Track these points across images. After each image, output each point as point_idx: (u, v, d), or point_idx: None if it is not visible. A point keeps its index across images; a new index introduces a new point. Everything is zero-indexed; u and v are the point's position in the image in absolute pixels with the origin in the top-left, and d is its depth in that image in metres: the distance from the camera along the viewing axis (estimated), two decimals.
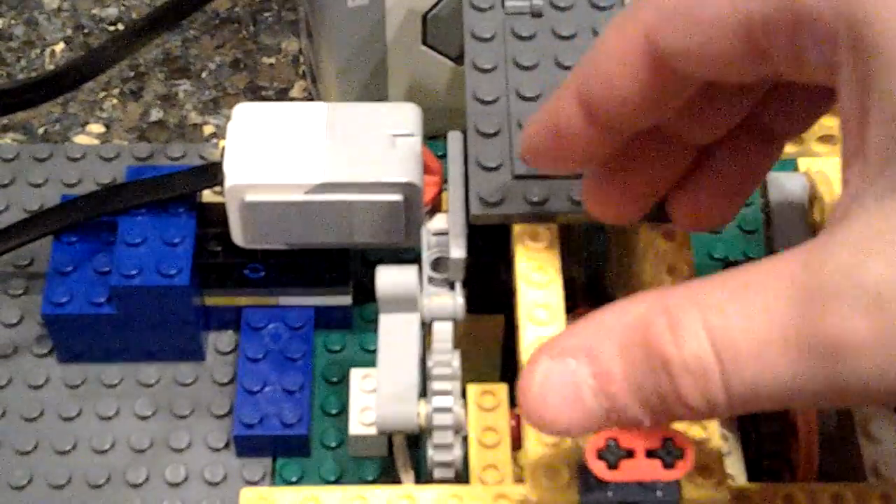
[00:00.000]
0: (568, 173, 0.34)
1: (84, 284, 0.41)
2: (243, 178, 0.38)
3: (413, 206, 0.38)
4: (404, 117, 0.39)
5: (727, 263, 0.41)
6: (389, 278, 0.36)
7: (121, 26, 0.56)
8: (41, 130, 0.52)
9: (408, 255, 0.41)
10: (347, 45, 0.46)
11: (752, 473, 0.35)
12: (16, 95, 0.42)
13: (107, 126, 0.52)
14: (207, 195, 0.42)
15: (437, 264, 0.36)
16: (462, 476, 0.34)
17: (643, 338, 0.24)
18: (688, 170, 0.32)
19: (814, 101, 0.30)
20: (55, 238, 0.42)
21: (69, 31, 0.55)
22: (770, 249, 0.39)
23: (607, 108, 0.28)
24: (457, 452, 0.34)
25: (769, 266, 0.23)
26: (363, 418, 0.38)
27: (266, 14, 0.56)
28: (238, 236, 0.40)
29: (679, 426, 0.29)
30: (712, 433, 0.31)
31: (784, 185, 0.39)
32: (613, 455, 0.26)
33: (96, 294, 0.41)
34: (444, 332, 0.35)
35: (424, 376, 0.35)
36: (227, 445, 0.41)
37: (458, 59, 0.47)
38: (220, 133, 0.52)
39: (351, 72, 0.47)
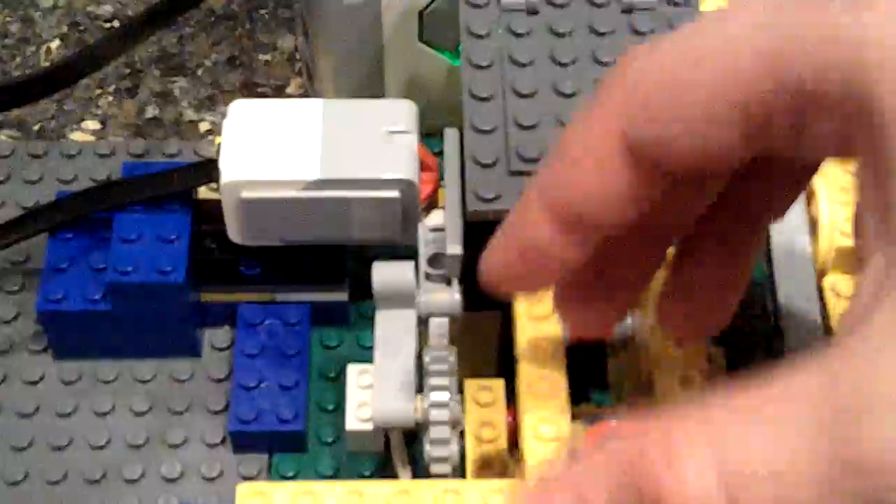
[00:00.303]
0: (538, 291, 0.31)
1: (79, 281, 0.41)
2: (239, 174, 0.38)
3: (409, 203, 0.38)
4: (400, 114, 0.39)
5: None
6: (386, 274, 0.36)
7: (116, 23, 0.56)
8: (36, 127, 0.52)
9: (404, 251, 0.41)
10: (343, 42, 0.46)
11: None
12: (11, 92, 0.42)
13: (102, 123, 0.52)
14: (203, 192, 0.42)
15: (434, 260, 0.36)
16: (459, 471, 0.34)
17: (637, 482, 0.21)
18: (672, 275, 0.30)
19: (793, 177, 0.29)
20: (51, 235, 0.42)
21: (64, 29, 0.55)
22: (768, 247, 0.39)
23: (583, 213, 0.26)
24: (453, 448, 0.34)
25: (785, 386, 0.21)
26: (360, 414, 0.38)
27: (262, 11, 0.56)
28: (234, 233, 0.40)
29: None
30: None
31: None
32: None
33: (92, 291, 0.41)
34: (440, 328, 0.35)
35: (421, 372, 0.35)
36: (223, 441, 0.41)
37: (455, 55, 0.47)
38: (216, 130, 0.52)
39: (347, 69, 0.47)
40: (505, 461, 0.34)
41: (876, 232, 0.22)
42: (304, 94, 0.53)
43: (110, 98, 0.53)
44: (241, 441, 0.40)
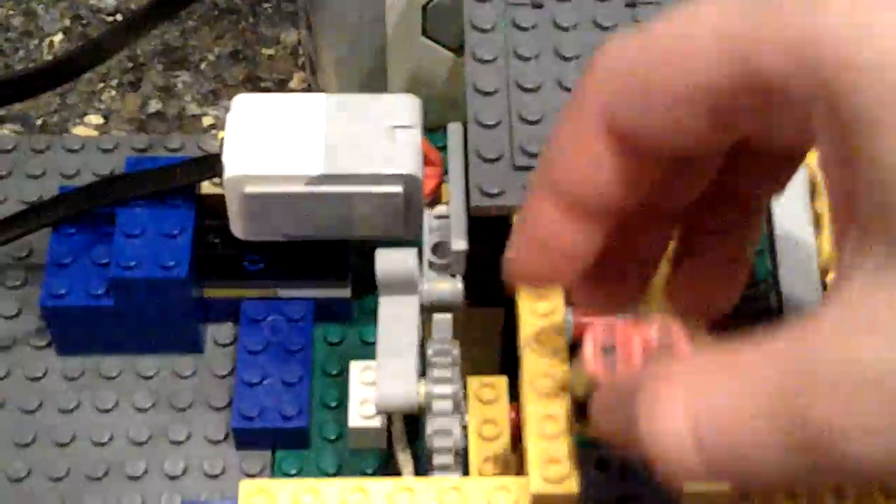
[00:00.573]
0: (560, 283, 0.32)
1: (83, 276, 0.41)
2: (242, 169, 0.38)
3: (413, 198, 0.38)
4: (404, 108, 0.39)
5: None
6: (389, 261, 0.36)
7: (119, 17, 0.56)
8: (39, 121, 0.52)
9: (408, 246, 0.41)
10: (347, 36, 0.46)
11: None
12: (14, 86, 0.42)
13: (105, 117, 0.52)
14: (207, 187, 0.41)
15: (438, 248, 0.36)
16: (461, 463, 0.34)
17: (625, 411, 0.24)
18: (676, 255, 0.31)
19: (786, 155, 0.29)
20: (53, 229, 0.42)
21: (67, 22, 0.55)
22: (772, 243, 0.39)
23: (586, 200, 0.27)
24: (456, 433, 0.33)
25: (761, 346, 0.23)
26: (363, 411, 0.38)
27: (265, 5, 0.56)
28: (237, 228, 0.40)
29: None
30: None
31: None
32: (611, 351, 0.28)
33: (95, 286, 0.41)
34: (444, 324, 0.35)
35: (424, 358, 0.35)
36: (226, 438, 0.41)
37: (459, 49, 0.47)
38: (219, 124, 0.52)
39: (350, 63, 0.47)
40: (508, 458, 0.34)
41: (844, 218, 0.23)
42: (308, 89, 0.53)
43: (113, 92, 0.53)
44: (244, 438, 0.40)
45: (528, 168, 0.35)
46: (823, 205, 0.38)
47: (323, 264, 0.42)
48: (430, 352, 0.34)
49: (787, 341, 0.23)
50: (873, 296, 0.22)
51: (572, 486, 0.29)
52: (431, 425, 0.34)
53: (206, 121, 0.52)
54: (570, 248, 0.28)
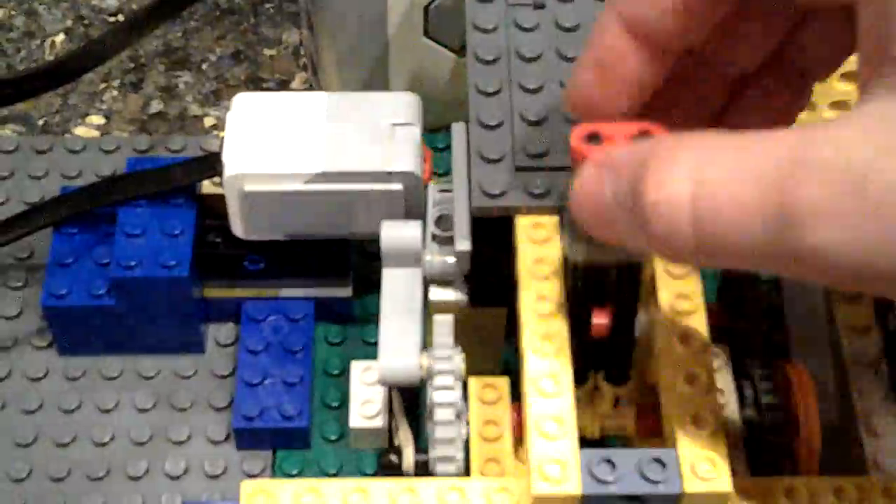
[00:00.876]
0: (617, 113, 0.32)
1: (84, 276, 0.41)
2: (242, 167, 0.38)
3: (413, 196, 0.38)
4: (404, 107, 0.39)
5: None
6: (394, 232, 0.36)
7: (121, 17, 0.56)
8: (41, 122, 0.52)
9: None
10: (348, 36, 0.46)
11: (754, 466, 0.35)
12: (15, 86, 0.42)
13: (107, 117, 0.52)
14: (207, 186, 0.41)
15: (441, 221, 0.36)
16: (463, 462, 0.34)
17: (636, 173, 0.26)
18: (721, 108, 0.32)
19: (840, 37, 0.30)
20: (55, 230, 0.42)
21: (69, 22, 0.55)
22: None
23: (650, 22, 0.29)
24: (458, 436, 0.33)
25: (770, 135, 0.24)
26: (364, 411, 0.38)
27: (267, 5, 0.56)
28: (238, 227, 0.40)
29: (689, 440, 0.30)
30: (715, 427, 0.31)
31: None
32: (596, 139, 0.28)
33: (96, 286, 0.41)
34: (445, 326, 0.35)
35: (425, 330, 0.35)
36: (227, 438, 0.41)
37: (460, 50, 0.47)
38: (220, 125, 0.52)
39: (352, 64, 0.47)
40: (509, 459, 0.34)
41: (873, 42, 0.25)
42: (309, 89, 0.53)
43: (115, 92, 0.53)
44: (245, 438, 0.40)
45: (529, 168, 0.35)
46: None
47: (324, 264, 0.42)
48: (431, 356, 0.34)
49: (793, 134, 0.24)
50: (873, 112, 0.23)
51: (574, 487, 0.29)
52: (434, 429, 0.33)
53: (208, 121, 0.52)
54: (628, 72, 0.29)
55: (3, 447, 0.41)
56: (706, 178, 0.24)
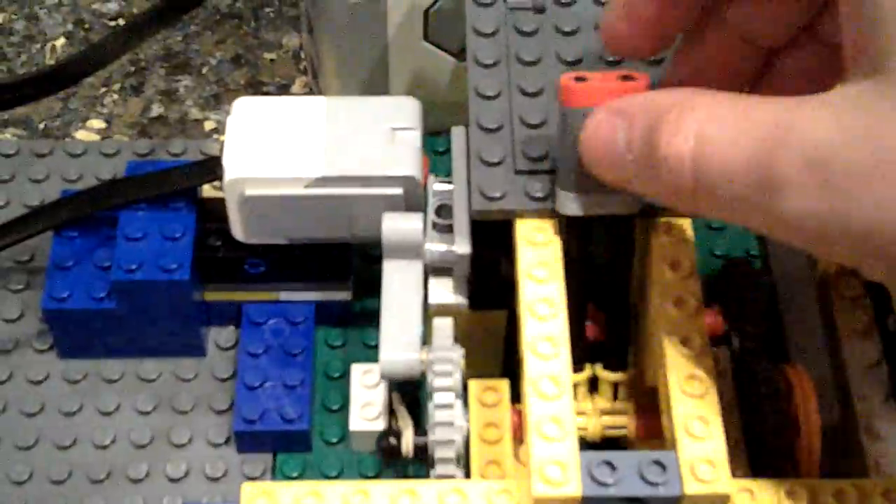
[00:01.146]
0: (645, 55, 0.34)
1: (84, 279, 0.41)
2: (242, 171, 0.38)
3: (413, 200, 0.38)
4: (404, 111, 0.39)
5: (728, 260, 0.41)
6: (395, 224, 0.36)
7: (121, 21, 0.56)
8: (41, 126, 0.52)
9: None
10: (348, 40, 0.46)
11: (755, 469, 0.35)
12: (16, 90, 0.42)
13: (107, 121, 0.52)
14: (208, 190, 0.41)
15: (441, 210, 0.37)
16: (463, 463, 0.34)
17: (649, 125, 0.28)
18: (753, 77, 0.33)
19: None
20: (55, 233, 0.42)
21: (70, 27, 0.55)
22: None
23: None
24: (458, 438, 0.33)
25: (766, 102, 0.27)
26: (364, 414, 0.38)
27: (267, 9, 0.56)
28: (238, 231, 0.40)
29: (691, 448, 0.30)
30: (716, 429, 0.31)
31: None
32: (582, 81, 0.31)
33: (97, 289, 0.41)
34: (445, 330, 0.35)
35: (426, 322, 0.35)
36: (227, 441, 0.41)
37: (460, 54, 0.47)
38: (221, 129, 0.52)
39: (352, 68, 0.47)
40: (510, 461, 0.34)
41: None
42: (310, 93, 0.53)
43: (115, 96, 0.53)
44: (246, 441, 0.40)
45: (529, 172, 0.35)
46: None
47: (324, 267, 0.42)
48: (431, 358, 0.34)
49: (783, 105, 0.26)
50: (848, 95, 0.26)
51: (574, 489, 0.29)
52: (434, 431, 0.34)
53: (208, 125, 0.52)
54: (650, 14, 0.31)
55: (4, 450, 0.41)
56: (706, 134, 0.27)
